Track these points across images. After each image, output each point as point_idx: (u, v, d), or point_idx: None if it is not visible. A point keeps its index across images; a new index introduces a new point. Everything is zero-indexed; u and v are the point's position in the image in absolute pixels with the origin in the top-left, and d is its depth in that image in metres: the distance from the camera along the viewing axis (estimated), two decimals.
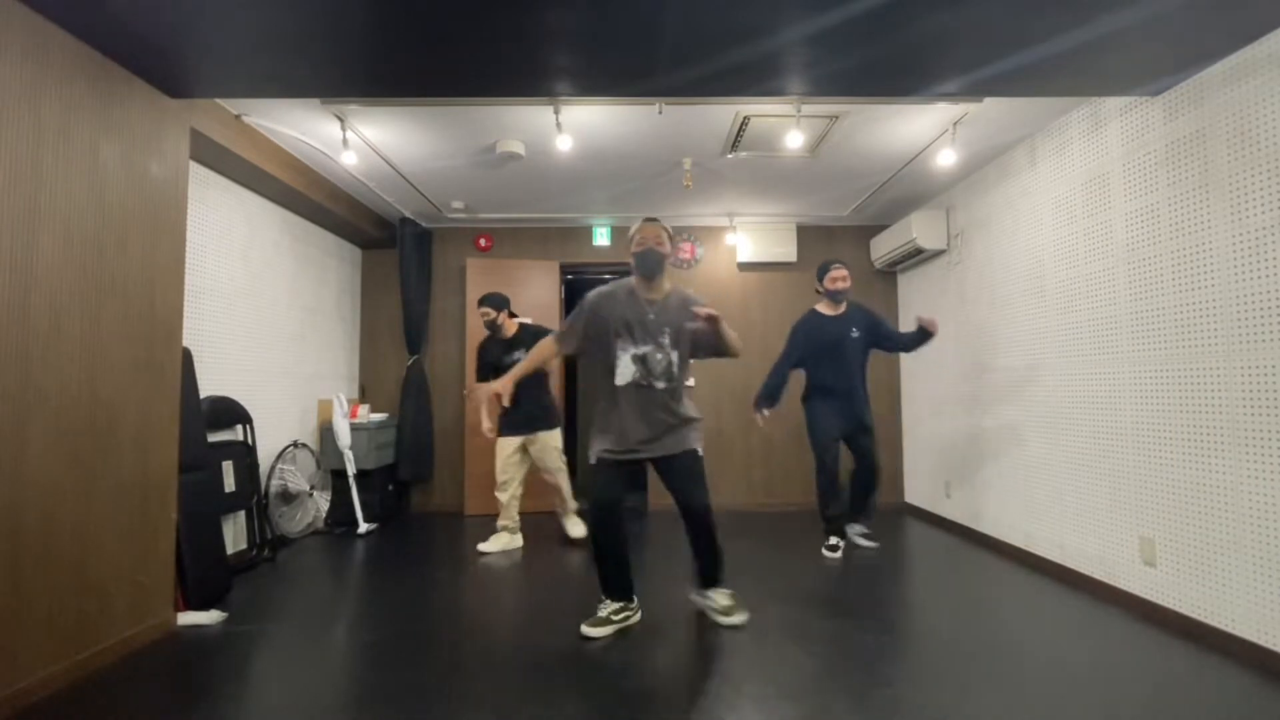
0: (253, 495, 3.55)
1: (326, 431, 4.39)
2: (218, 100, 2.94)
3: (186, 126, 2.68)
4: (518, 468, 3.84)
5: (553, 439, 3.85)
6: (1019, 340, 3.55)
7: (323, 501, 4.30)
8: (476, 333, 4.97)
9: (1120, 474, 2.80)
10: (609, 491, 2.45)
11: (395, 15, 2.04)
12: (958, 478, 4.26)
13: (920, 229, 4.36)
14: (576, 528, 3.98)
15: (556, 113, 3.08)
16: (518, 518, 3.87)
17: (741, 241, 5.12)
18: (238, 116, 3.13)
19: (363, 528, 4.29)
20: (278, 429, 4.02)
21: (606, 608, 2.51)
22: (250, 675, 2.17)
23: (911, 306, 5.01)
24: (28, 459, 1.95)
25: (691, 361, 2.62)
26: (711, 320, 2.34)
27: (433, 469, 5.09)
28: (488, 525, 4.05)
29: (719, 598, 2.57)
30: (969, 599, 2.92)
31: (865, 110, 3.18)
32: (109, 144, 2.27)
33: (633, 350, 2.46)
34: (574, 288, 6.50)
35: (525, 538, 3.94)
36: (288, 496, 3.97)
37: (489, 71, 2.42)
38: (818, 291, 3.74)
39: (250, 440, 3.58)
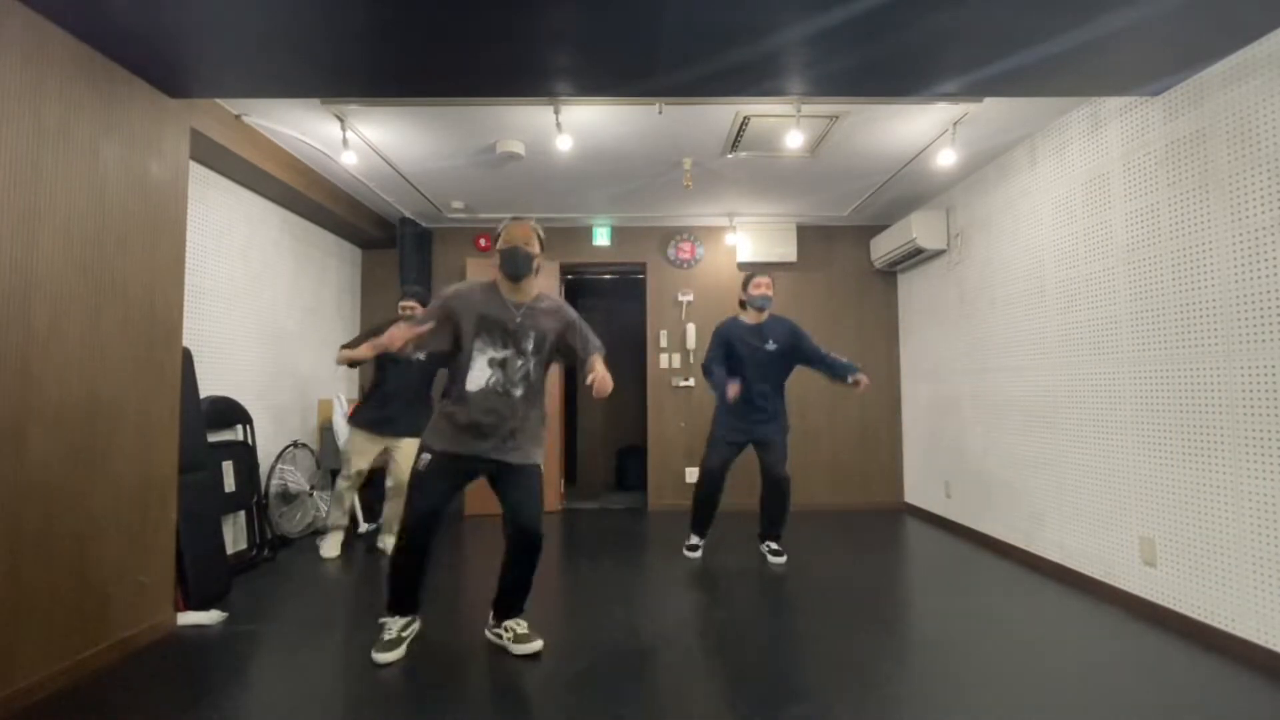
0: (253, 495, 3.55)
1: (326, 431, 4.39)
2: (218, 100, 2.94)
3: (186, 126, 2.68)
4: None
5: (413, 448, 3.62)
6: (1019, 340, 3.55)
7: (322, 501, 4.29)
8: None
9: (1120, 474, 2.80)
10: (432, 499, 2.23)
11: (395, 15, 2.04)
12: (958, 478, 4.26)
13: (920, 229, 4.36)
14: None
15: (556, 113, 3.08)
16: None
17: (741, 241, 5.12)
18: (238, 116, 3.13)
19: (362, 528, 4.28)
20: (278, 429, 4.02)
21: (394, 627, 2.31)
22: (250, 675, 2.17)
23: (911, 306, 5.01)
24: (28, 459, 1.95)
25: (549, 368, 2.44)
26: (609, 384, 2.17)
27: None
28: (487, 525, 4.05)
29: (516, 626, 2.34)
30: (969, 599, 2.92)
31: (865, 110, 3.18)
32: (109, 144, 2.27)
33: (490, 353, 2.28)
34: (574, 288, 6.51)
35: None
36: (288, 496, 3.97)
37: (489, 71, 2.42)
38: (741, 301, 3.61)
39: (250, 440, 3.58)
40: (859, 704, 1.92)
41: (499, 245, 2.33)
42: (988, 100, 3.02)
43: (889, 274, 5.25)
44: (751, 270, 3.65)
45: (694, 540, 3.68)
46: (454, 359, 2.33)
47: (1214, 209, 2.38)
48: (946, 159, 3.45)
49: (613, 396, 2.44)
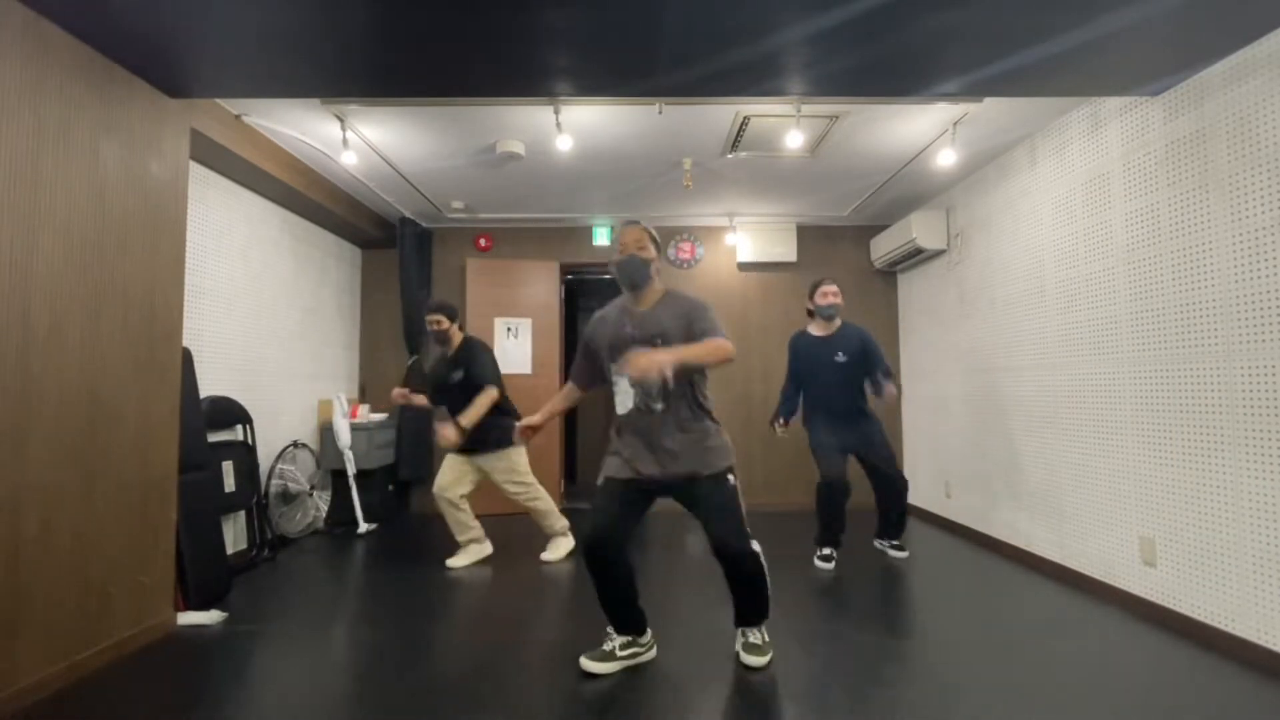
0: (253, 495, 3.55)
1: (326, 431, 4.39)
2: (218, 100, 2.94)
3: (186, 126, 2.68)
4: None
5: (501, 461, 3.47)
6: (1019, 340, 3.55)
7: (323, 501, 4.30)
8: (477, 333, 4.97)
9: (1120, 474, 2.80)
10: (599, 519, 2.15)
11: (395, 15, 2.04)
12: (958, 478, 4.26)
13: (920, 229, 4.36)
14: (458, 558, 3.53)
15: (556, 113, 3.08)
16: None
17: (741, 241, 5.12)
18: (238, 116, 3.13)
19: (363, 528, 4.29)
20: (278, 429, 4.02)
21: (612, 641, 2.23)
22: (250, 675, 2.17)
23: (911, 306, 5.01)
24: (28, 459, 1.95)
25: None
26: (667, 370, 1.91)
27: (432, 469, 5.08)
28: (488, 526, 4.04)
29: (748, 634, 2.27)
30: (969, 599, 2.92)
31: (865, 110, 3.18)
32: (109, 144, 2.27)
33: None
34: (574, 288, 6.51)
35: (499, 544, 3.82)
36: (288, 496, 3.97)
37: (489, 71, 2.42)
38: (809, 311, 3.54)
39: (250, 440, 3.58)
40: (859, 704, 1.92)
41: (614, 257, 2.23)
42: (988, 100, 3.02)
43: (889, 274, 5.25)
44: (819, 278, 3.53)
45: (826, 550, 3.46)
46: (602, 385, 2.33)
47: (1214, 209, 2.38)
48: (946, 159, 3.45)
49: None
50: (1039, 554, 3.35)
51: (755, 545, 2.13)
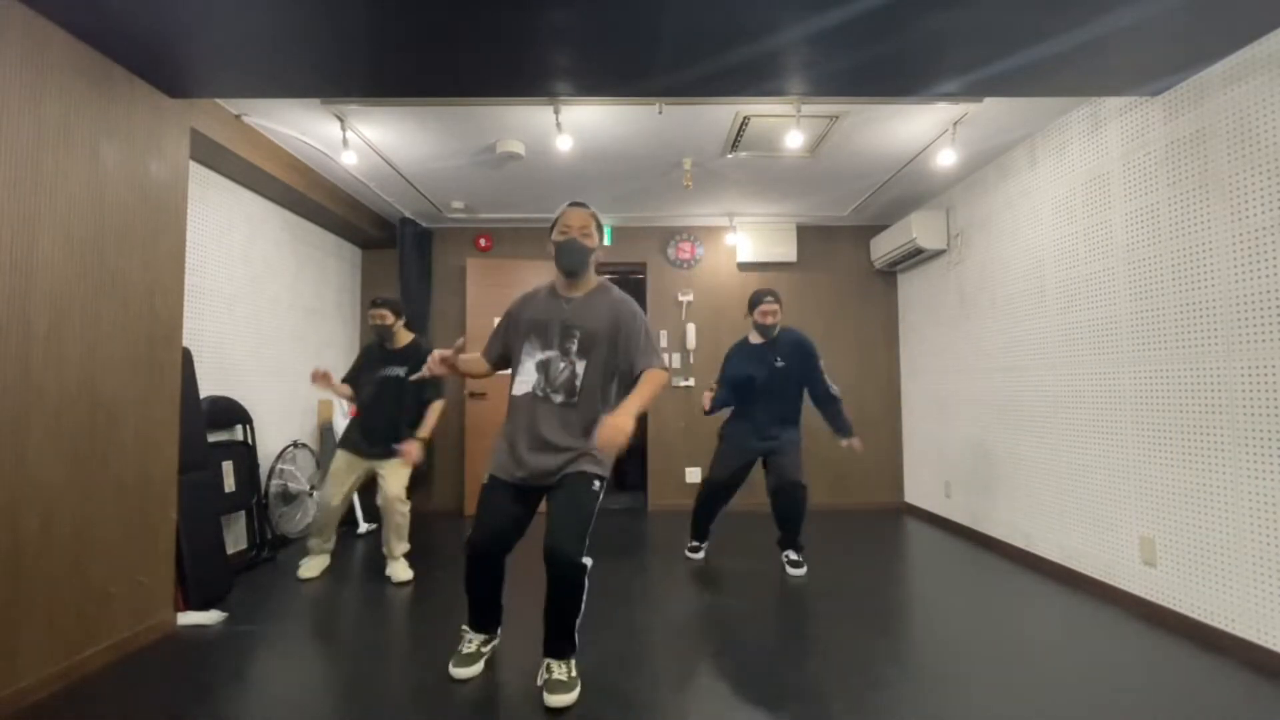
0: (253, 495, 3.55)
1: (326, 431, 4.39)
2: (218, 100, 2.94)
3: (186, 126, 2.68)
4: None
5: (401, 469, 3.33)
6: (1019, 340, 3.55)
7: None
8: (477, 333, 4.97)
9: (1120, 474, 2.80)
10: (489, 519, 2.04)
11: (395, 15, 2.04)
12: (958, 478, 4.26)
13: (920, 229, 4.36)
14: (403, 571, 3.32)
15: (556, 113, 3.08)
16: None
17: (741, 241, 5.12)
18: (238, 116, 3.13)
19: (362, 528, 4.29)
20: (278, 429, 4.02)
21: (473, 641, 2.18)
22: (250, 675, 2.17)
23: (911, 306, 5.01)
24: (28, 459, 1.95)
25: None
26: (619, 439, 1.82)
27: (433, 469, 5.09)
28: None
29: (556, 668, 1.99)
30: (969, 599, 2.92)
31: (865, 110, 3.18)
32: (109, 144, 2.27)
33: (538, 355, 2.08)
34: None
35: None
36: (288, 496, 3.97)
37: (489, 71, 2.42)
38: (752, 320, 3.46)
39: (250, 440, 3.58)
40: (859, 704, 1.92)
41: (554, 236, 2.12)
42: (988, 100, 3.02)
43: (889, 274, 5.25)
44: (758, 287, 3.49)
45: (694, 543, 3.65)
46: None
47: (1214, 209, 2.38)
48: (946, 159, 3.45)
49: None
50: (1039, 554, 3.35)
51: (588, 561, 1.97)
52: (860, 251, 5.22)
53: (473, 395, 4.92)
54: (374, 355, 3.42)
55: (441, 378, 2.53)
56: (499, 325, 2.24)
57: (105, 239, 2.25)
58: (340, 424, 4.22)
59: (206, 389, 3.29)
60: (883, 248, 4.89)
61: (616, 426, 1.82)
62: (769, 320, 3.38)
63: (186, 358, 2.95)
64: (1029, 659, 2.24)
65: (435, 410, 3.29)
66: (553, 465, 2.03)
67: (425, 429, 3.24)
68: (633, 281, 5.80)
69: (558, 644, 2.01)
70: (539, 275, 5.10)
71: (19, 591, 1.92)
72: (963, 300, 4.19)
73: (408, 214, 4.85)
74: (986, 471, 3.89)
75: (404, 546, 3.37)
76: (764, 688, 2.04)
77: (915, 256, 4.63)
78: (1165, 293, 2.57)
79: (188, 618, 2.61)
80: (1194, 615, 2.44)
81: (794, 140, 3.21)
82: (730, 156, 3.76)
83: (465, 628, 2.25)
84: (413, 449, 3.17)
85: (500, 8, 1.99)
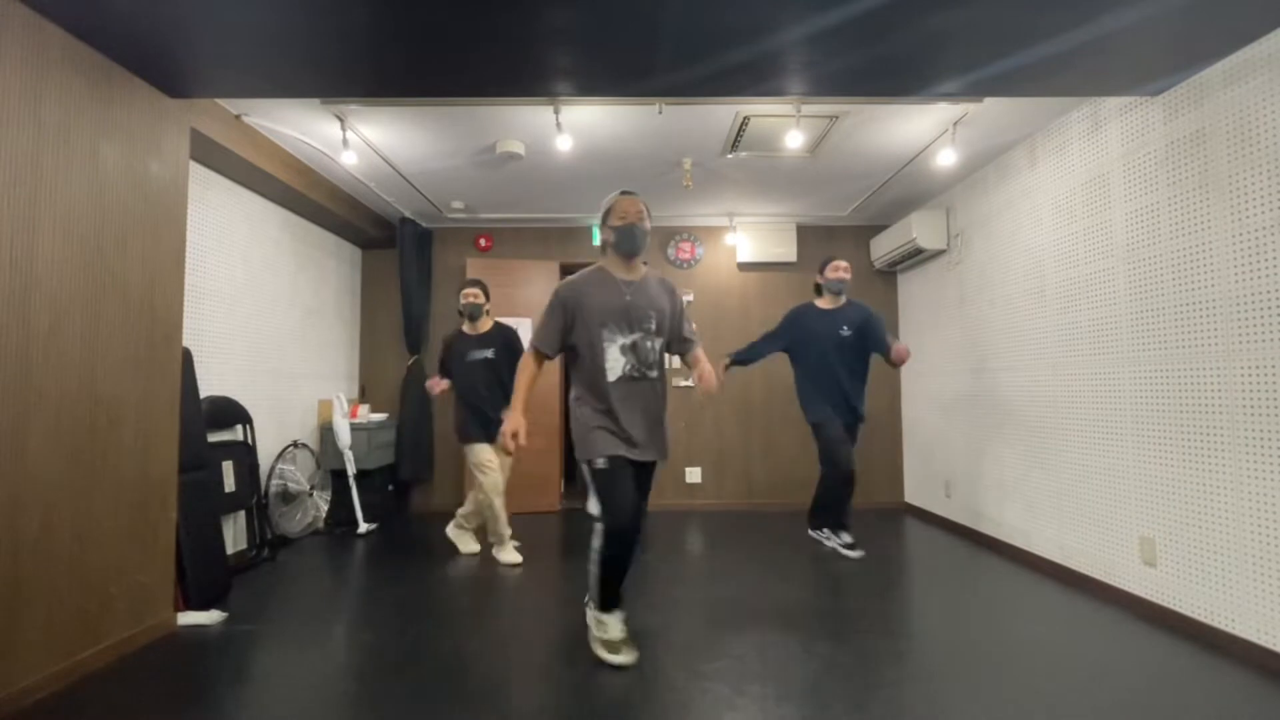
0: (253, 495, 3.55)
1: (326, 431, 4.39)
2: (218, 100, 2.94)
3: (186, 126, 2.68)
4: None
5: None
6: (1019, 340, 3.55)
7: (323, 501, 4.30)
8: None
9: (1120, 474, 2.80)
10: (624, 500, 2.16)
11: (395, 15, 2.04)
12: (958, 478, 4.26)
13: (920, 229, 4.36)
14: (510, 554, 3.57)
15: (556, 113, 3.08)
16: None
17: (741, 241, 5.12)
18: (238, 116, 3.13)
19: (363, 528, 4.29)
20: (278, 429, 4.02)
21: (614, 625, 2.26)
22: (250, 675, 2.17)
23: (911, 306, 5.01)
24: (28, 459, 1.95)
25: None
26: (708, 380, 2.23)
27: (433, 469, 5.09)
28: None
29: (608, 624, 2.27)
30: (969, 599, 2.92)
31: (865, 110, 3.18)
32: (109, 144, 2.27)
33: (620, 340, 2.22)
34: None
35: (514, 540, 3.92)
36: (288, 496, 3.97)
37: (489, 71, 2.42)
38: (817, 285, 3.67)
39: (250, 440, 3.58)
40: (859, 704, 1.92)
41: (612, 222, 2.27)
42: (988, 100, 3.02)
43: (889, 274, 5.25)
44: (829, 254, 3.67)
45: (846, 538, 3.53)
46: (575, 355, 2.31)
47: (1214, 209, 2.38)
48: (946, 159, 3.45)
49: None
50: (1039, 554, 3.35)
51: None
52: (860, 251, 5.22)
53: None
54: (457, 343, 3.62)
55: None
56: (554, 318, 2.29)
57: (105, 239, 2.25)
58: (340, 424, 4.23)
59: (206, 389, 3.29)
60: (883, 248, 4.89)
61: (715, 372, 2.18)
62: (840, 275, 3.48)
63: (186, 358, 2.96)
64: (1029, 659, 2.24)
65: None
66: (656, 444, 2.29)
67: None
68: None
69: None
70: (539, 275, 5.11)
71: (19, 591, 1.92)
72: (963, 300, 4.19)
73: (408, 214, 4.85)
74: (986, 471, 3.89)
75: (492, 531, 3.56)
76: (764, 687, 2.04)
77: (915, 256, 4.63)
78: (1165, 293, 2.57)
79: (188, 618, 2.62)
80: (1194, 615, 2.44)
81: (794, 140, 3.21)
82: (730, 156, 3.76)
83: (599, 614, 2.27)
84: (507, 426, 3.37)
85: (500, 8, 1.99)
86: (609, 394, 2.22)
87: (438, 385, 3.56)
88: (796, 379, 3.70)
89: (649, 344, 2.25)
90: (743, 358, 3.66)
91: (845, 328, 3.48)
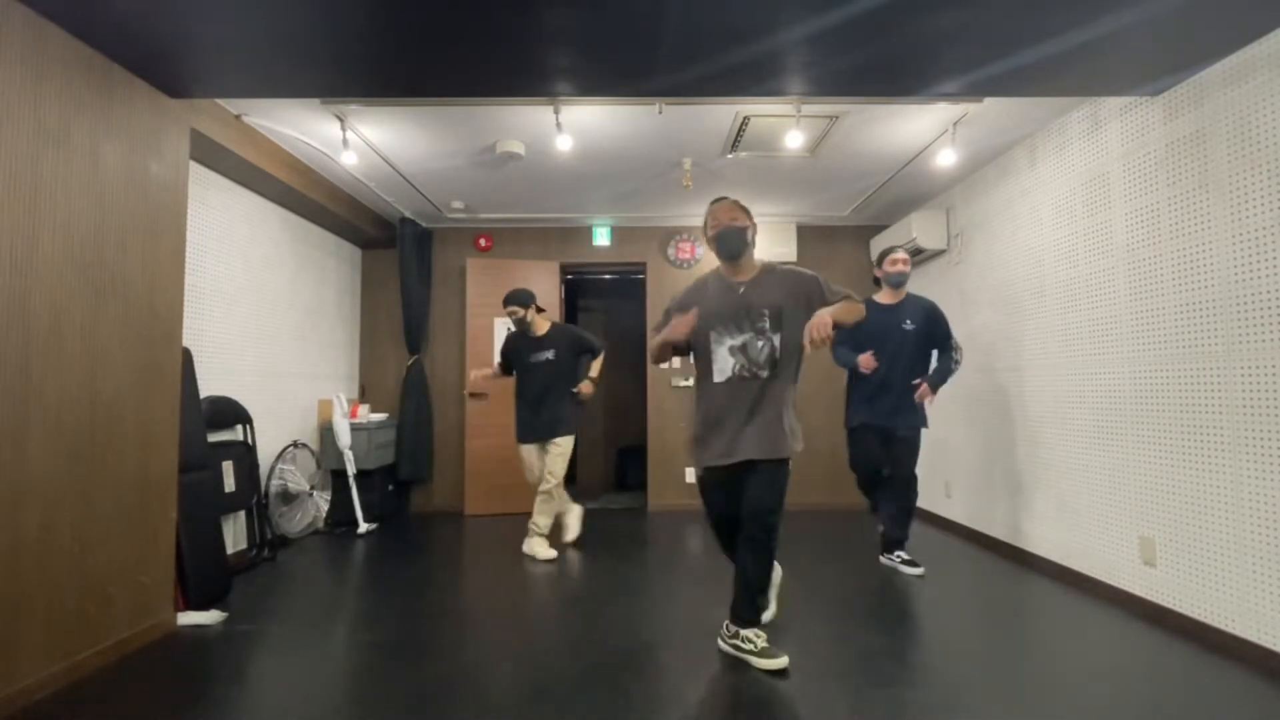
0: (253, 495, 3.55)
1: (326, 431, 4.39)
2: (218, 100, 2.94)
3: (186, 126, 2.68)
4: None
5: (567, 445, 3.72)
6: (1019, 340, 3.55)
7: (323, 501, 4.29)
8: (477, 333, 4.98)
9: (1120, 474, 2.80)
10: (716, 509, 2.30)
11: (395, 15, 2.04)
12: (958, 478, 4.26)
13: (920, 229, 4.36)
14: (569, 531, 3.91)
15: (556, 113, 3.08)
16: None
17: None
18: (238, 116, 3.13)
19: (363, 528, 4.29)
20: (278, 429, 4.02)
21: (760, 635, 2.20)
22: (250, 675, 2.17)
23: None
24: (28, 459, 1.95)
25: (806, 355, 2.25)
26: (825, 336, 2.00)
27: (433, 469, 5.09)
28: (488, 526, 4.05)
29: (755, 638, 2.19)
30: (969, 599, 2.92)
31: (865, 110, 3.18)
32: (109, 144, 2.27)
33: (729, 341, 2.21)
34: (574, 288, 6.50)
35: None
36: (288, 496, 3.97)
37: (489, 71, 2.42)
38: (875, 278, 3.51)
39: (250, 440, 3.58)
40: (859, 704, 1.92)
41: (709, 232, 2.30)
42: (988, 100, 3.02)
43: None
44: (889, 246, 3.53)
45: (901, 554, 3.35)
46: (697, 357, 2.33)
47: (1214, 209, 2.38)
48: (946, 159, 3.45)
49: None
50: (1039, 554, 3.35)
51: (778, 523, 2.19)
52: (860, 251, 5.22)
53: (473, 396, 4.92)
54: (519, 344, 3.79)
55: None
56: (666, 321, 2.34)
57: (105, 239, 2.25)
58: (340, 424, 4.23)
59: (206, 389, 3.29)
60: (883, 247, 4.88)
61: (823, 320, 1.99)
62: (900, 268, 3.35)
63: (186, 358, 2.95)
64: (1029, 659, 2.24)
65: (597, 363, 3.87)
66: (764, 442, 2.16)
67: (594, 372, 3.85)
68: (632, 281, 5.81)
69: (741, 611, 2.22)
70: (539, 275, 5.11)
71: (19, 591, 1.92)
72: (963, 300, 4.19)
73: (408, 214, 4.85)
74: (987, 471, 3.89)
75: (546, 521, 3.66)
76: (764, 687, 2.04)
77: (915, 256, 4.62)
78: (1165, 293, 2.57)
79: (188, 618, 2.62)
80: (1194, 615, 2.44)
81: (794, 140, 3.21)
82: (730, 156, 3.76)
83: (749, 632, 2.21)
84: (586, 387, 3.76)
85: (500, 8, 1.99)
86: (709, 396, 2.26)
87: (481, 375, 3.85)
88: (850, 378, 3.47)
89: (760, 343, 2.20)
90: (848, 367, 3.40)
91: (909, 321, 3.33)
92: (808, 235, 5.21)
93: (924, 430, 3.40)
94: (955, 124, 3.29)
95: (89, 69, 2.19)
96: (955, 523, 4.28)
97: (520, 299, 3.69)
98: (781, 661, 2.12)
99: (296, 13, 2.03)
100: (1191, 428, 2.45)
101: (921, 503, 4.81)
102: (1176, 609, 2.51)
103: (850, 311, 2.16)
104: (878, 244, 4.99)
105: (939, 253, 4.45)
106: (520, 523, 4.02)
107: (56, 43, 2.06)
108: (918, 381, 3.27)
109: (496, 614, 2.79)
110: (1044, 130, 3.34)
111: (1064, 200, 3.18)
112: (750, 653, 2.17)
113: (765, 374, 2.19)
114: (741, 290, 2.25)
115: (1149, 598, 2.64)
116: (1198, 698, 1.96)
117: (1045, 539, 3.31)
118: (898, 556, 3.35)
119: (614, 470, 6.42)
